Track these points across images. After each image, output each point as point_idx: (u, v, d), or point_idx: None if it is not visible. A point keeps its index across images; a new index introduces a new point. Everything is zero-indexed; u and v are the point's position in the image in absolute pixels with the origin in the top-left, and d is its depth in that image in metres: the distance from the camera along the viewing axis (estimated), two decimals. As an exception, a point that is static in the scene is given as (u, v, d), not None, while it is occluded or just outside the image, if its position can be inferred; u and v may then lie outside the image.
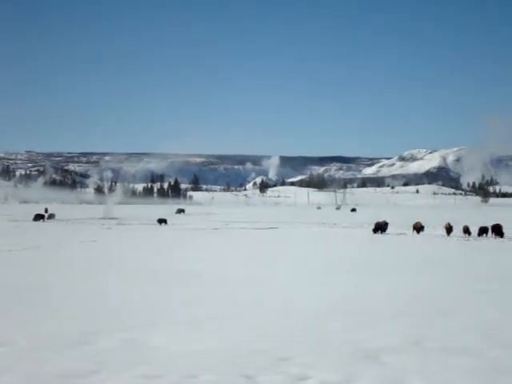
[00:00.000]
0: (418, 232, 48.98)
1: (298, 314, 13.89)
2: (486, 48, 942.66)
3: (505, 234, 44.80)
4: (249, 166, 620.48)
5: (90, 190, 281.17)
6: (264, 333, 12.02)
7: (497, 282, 19.50)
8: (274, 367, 9.74)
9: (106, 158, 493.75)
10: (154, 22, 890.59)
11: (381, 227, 50.23)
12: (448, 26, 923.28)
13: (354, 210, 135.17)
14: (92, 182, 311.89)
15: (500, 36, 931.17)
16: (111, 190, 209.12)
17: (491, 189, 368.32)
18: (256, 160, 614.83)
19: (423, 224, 49.96)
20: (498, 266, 25.54)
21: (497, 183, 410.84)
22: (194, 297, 16.44)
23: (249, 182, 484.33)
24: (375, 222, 52.39)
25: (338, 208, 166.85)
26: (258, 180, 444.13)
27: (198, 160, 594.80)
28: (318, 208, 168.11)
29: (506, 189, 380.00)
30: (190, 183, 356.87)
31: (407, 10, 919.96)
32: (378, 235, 47.94)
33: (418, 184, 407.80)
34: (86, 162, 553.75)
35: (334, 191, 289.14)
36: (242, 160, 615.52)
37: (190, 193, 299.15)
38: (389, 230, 50.51)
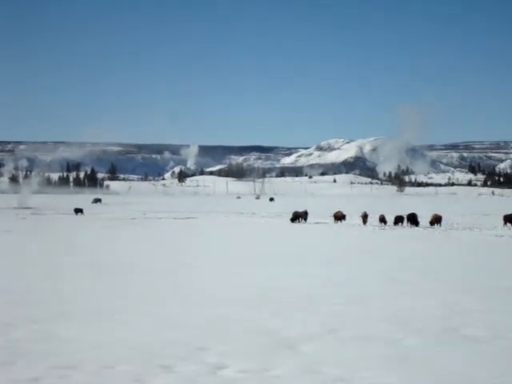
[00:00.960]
0: (339, 221, 49.64)
1: (213, 304, 13.86)
2: (397, 37, 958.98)
3: (420, 223, 45.73)
4: (167, 155, 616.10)
5: (5, 179, 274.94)
6: (180, 323, 11.96)
7: (410, 271, 19.83)
8: (192, 357, 9.69)
9: (21, 146, 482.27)
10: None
11: (299, 216, 50.66)
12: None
13: (272, 199, 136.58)
14: (6, 170, 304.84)
15: (407, 24, 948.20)
16: (26, 179, 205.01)
17: (407, 178, 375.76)
18: (174, 149, 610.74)
19: (344, 213, 50.66)
20: (412, 255, 26.02)
21: (412, 173, 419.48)
22: (106, 288, 16.27)
23: (167, 172, 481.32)
24: (294, 211, 52.79)
25: (257, 197, 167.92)
26: (177, 169, 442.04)
27: (116, 149, 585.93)
28: (238, 197, 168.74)
29: (421, 178, 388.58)
30: (107, 172, 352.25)
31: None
32: (297, 224, 48.33)
33: (335, 173, 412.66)
34: (1, 151, 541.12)
35: (253, 181, 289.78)
36: (160, 149, 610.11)
37: (106, 182, 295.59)
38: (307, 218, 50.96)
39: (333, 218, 50.89)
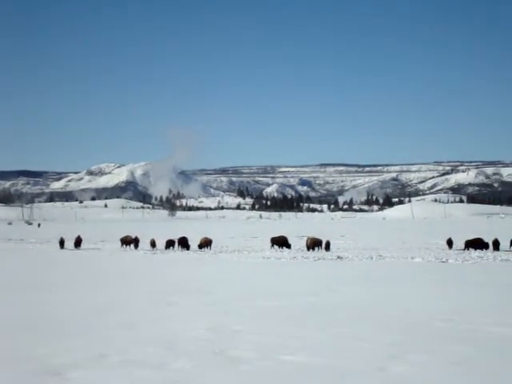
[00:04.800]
0: (129, 246, 49.83)
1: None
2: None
3: (190, 246, 46.59)
4: None
5: None
6: None
7: (180, 295, 19.89)
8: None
9: None
10: None
11: (63, 242, 50.17)
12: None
13: (39, 225, 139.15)
14: None
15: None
16: None
17: (178, 202, 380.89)
18: None
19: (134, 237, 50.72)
20: (182, 278, 26.33)
21: (183, 197, 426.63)
22: None
23: None
24: (60, 237, 52.41)
25: (29, 223, 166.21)
26: None
27: None
28: (9, 223, 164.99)
29: (192, 202, 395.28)
30: None
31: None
32: (67, 250, 47.58)
33: (107, 198, 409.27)
34: None
35: (21, 206, 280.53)
36: None
37: None
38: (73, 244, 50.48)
39: (120, 243, 50.83)
